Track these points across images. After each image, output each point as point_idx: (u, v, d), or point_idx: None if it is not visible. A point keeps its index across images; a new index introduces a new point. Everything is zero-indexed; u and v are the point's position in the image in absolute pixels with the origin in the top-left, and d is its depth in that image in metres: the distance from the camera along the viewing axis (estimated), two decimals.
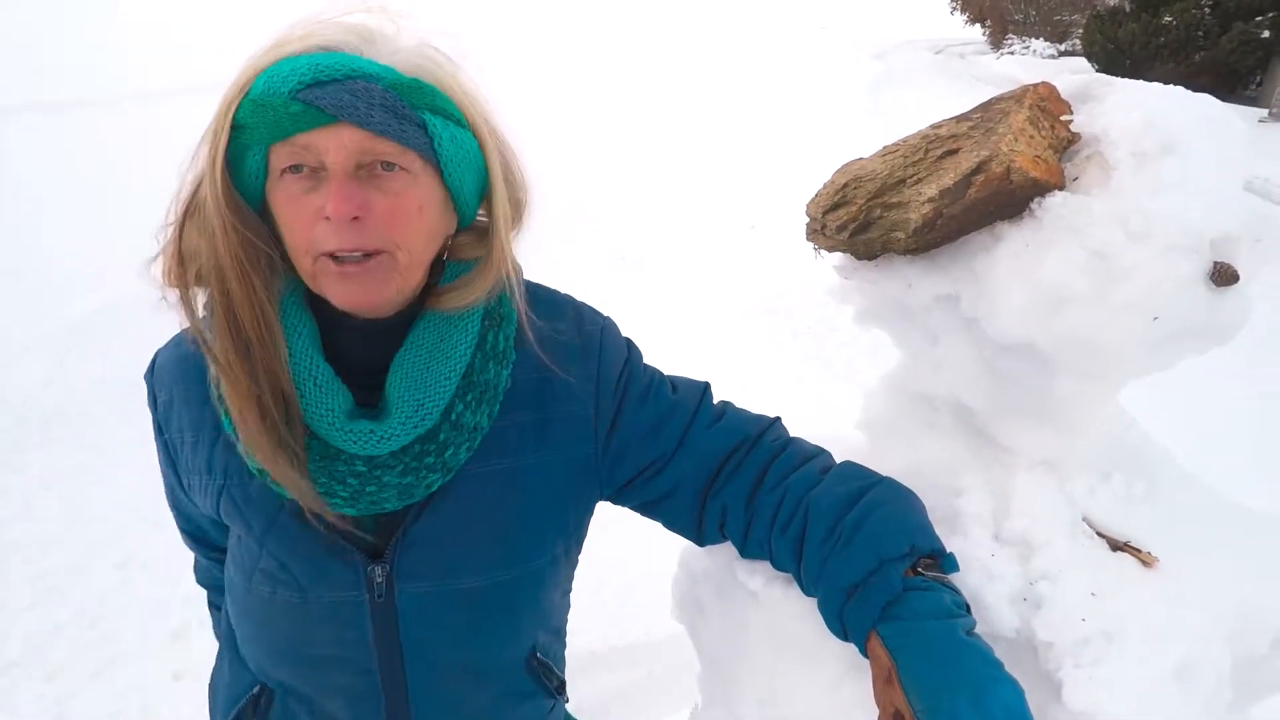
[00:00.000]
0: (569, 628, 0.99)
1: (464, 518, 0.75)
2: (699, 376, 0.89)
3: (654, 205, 6.10)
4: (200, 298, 0.71)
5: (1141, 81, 0.72)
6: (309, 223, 0.65)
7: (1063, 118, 0.70)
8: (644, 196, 6.26)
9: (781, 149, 7.75)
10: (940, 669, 0.59)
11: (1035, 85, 0.74)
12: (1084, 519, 0.73)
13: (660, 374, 0.86)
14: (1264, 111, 12.70)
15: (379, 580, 0.74)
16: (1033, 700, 0.65)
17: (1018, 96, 0.73)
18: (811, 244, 0.87)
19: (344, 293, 0.67)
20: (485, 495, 0.76)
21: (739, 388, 0.92)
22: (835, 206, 0.81)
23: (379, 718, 0.78)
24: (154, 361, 0.81)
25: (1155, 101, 0.66)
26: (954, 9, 30.72)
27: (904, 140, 0.79)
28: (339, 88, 0.62)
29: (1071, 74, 0.78)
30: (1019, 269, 0.66)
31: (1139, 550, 0.69)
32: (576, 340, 0.80)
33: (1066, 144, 0.72)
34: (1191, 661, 0.63)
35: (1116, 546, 0.70)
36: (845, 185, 0.80)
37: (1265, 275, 0.65)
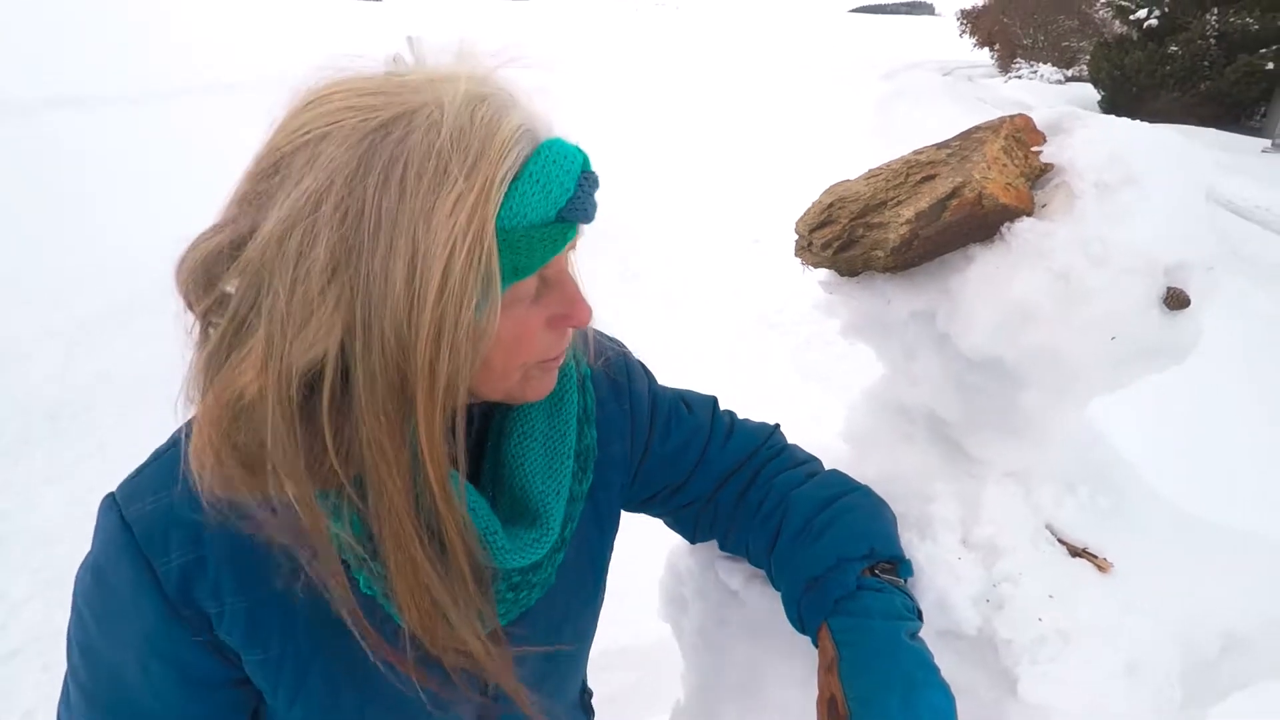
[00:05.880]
0: None
1: (570, 585, 0.72)
2: (700, 388, 0.91)
3: (658, 219, 6.16)
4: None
5: (1111, 117, 0.77)
6: (537, 334, 0.57)
7: (1034, 148, 0.75)
8: (648, 210, 6.32)
9: (786, 165, 7.83)
10: (878, 665, 0.62)
11: (1012, 117, 0.78)
12: (1047, 527, 0.77)
13: (674, 394, 0.85)
14: (1267, 142, 12.79)
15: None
16: (990, 696, 0.69)
17: (995, 127, 0.77)
18: (799, 260, 0.92)
19: (544, 387, 0.61)
20: (580, 554, 0.73)
21: (738, 400, 0.95)
22: (821, 225, 0.85)
23: None
24: (128, 522, 0.56)
25: (1120, 136, 0.71)
26: (963, 32, 31.02)
27: (887, 164, 0.83)
28: (582, 192, 0.54)
29: (1048, 108, 0.83)
30: (989, 288, 0.70)
31: (1095, 556, 0.73)
32: (606, 378, 0.77)
33: (1039, 172, 0.76)
34: (1141, 661, 0.67)
35: (1075, 553, 0.74)
36: (831, 205, 0.85)
37: (1219, 299, 0.69)
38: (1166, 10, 16.76)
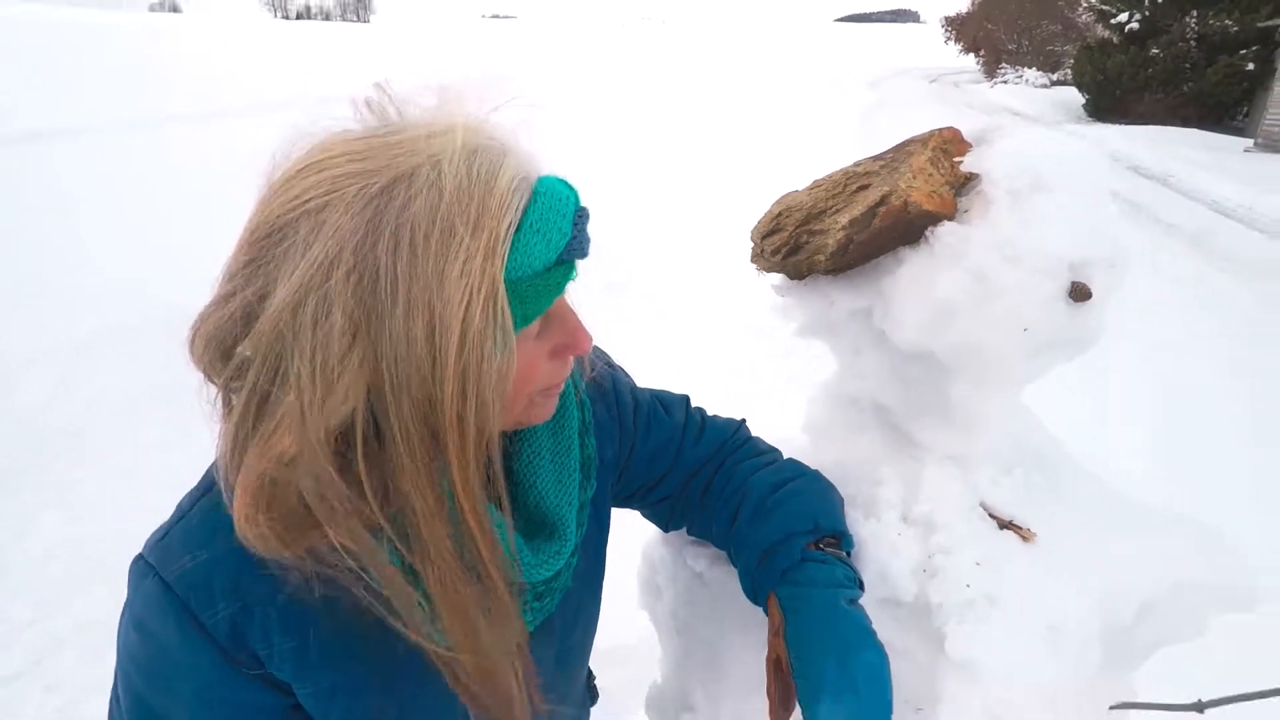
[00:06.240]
0: None
1: (580, 585, 0.77)
2: (693, 394, 0.96)
3: (645, 230, 6.25)
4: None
5: (1029, 128, 0.84)
6: (542, 366, 0.60)
7: (957, 159, 0.82)
8: (635, 221, 6.41)
9: (772, 175, 7.95)
10: (817, 629, 0.69)
11: (941, 130, 0.86)
12: (981, 504, 0.84)
13: (651, 396, 0.91)
14: (1249, 141, 12.96)
15: None
16: (925, 658, 0.76)
17: (924, 140, 0.84)
18: (754, 265, 0.99)
19: (547, 411, 0.65)
20: (587, 555, 0.77)
21: (725, 406, 1.01)
22: (771, 232, 0.92)
23: None
24: (165, 580, 0.58)
25: (1032, 147, 0.78)
26: (948, 38, 31.34)
27: (829, 175, 0.91)
28: (578, 230, 0.57)
29: (975, 121, 0.90)
30: (916, 288, 0.77)
31: (1020, 527, 0.80)
32: (597, 389, 0.82)
33: (964, 181, 0.83)
34: (1061, 623, 0.74)
35: (1003, 525, 0.81)
36: (779, 214, 0.92)
37: (1125, 292, 0.76)
38: (1147, 14, 17.01)
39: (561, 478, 0.70)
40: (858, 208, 0.81)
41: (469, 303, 0.50)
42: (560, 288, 0.57)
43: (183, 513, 0.61)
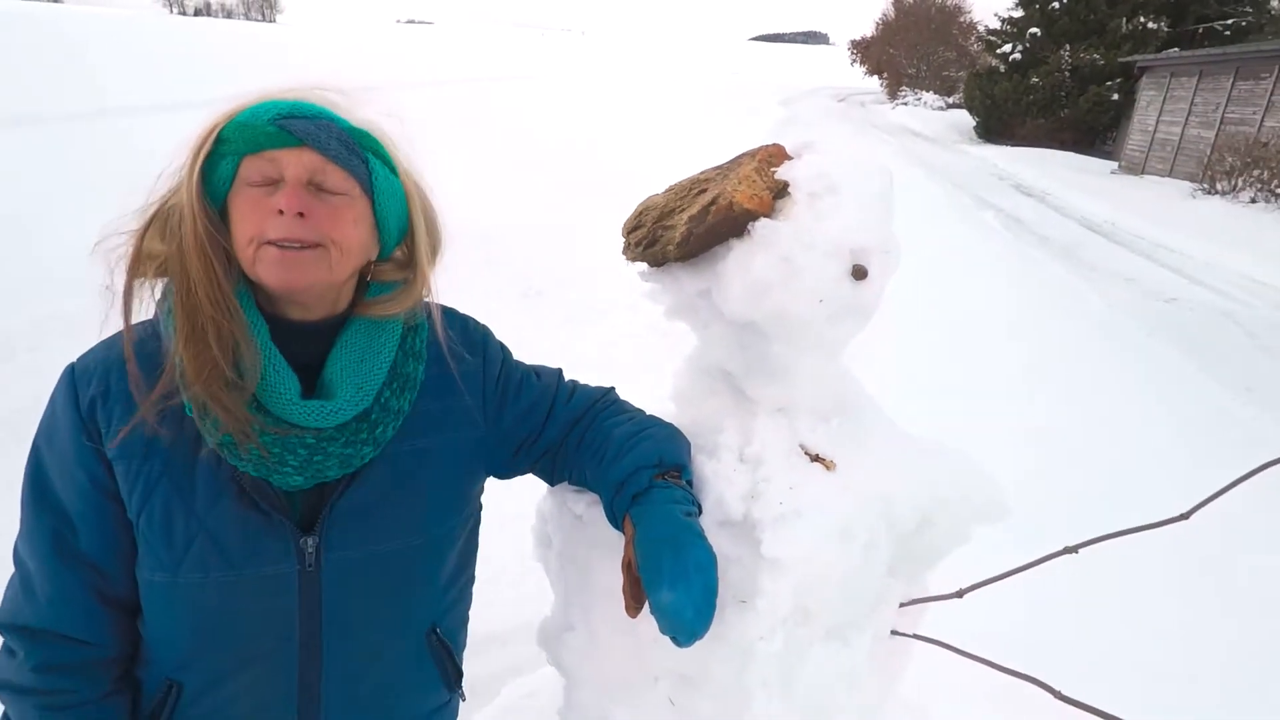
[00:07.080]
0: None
1: (385, 488, 0.90)
2: (560, 368, 1.14)
3: (558, 240, 6.41)
4: (146, 295, 0.85)
5: (835, 145, 1.06)
6: (262, 217, 0.80)
7: (774, 169, 1.03)
8: (549, 233, 6.56)
9: None
10: (658, 532, 0.87)
11: (768, 145, 1.07)
12: (800, 444, 1.04)
13: (526, 366, 1.10)
14: (1115, 164, 14.23)
15: (309, 551, 0.86)
16: (750, 562, 0.95)
17: (753, 153, 1.05)
18: (624, 256, 1.17)
19: (279, 275, 0.81)
20: (402, 469, 0.92)
21: (635, 399, 1.17)
22: (635, 228, 1.11)
23: (291, 685, 0.90)
24: (74, 366, 0.87)
25: (829, 159, 0.99)
26: (854, 61, 32.89)
27: (680, 182, 1.10)
28: (308, 122, 0.82)
29: (796, 138, 1.11)
30: (739, 269, 0.97)
31: (825, 459, 1.01)
32: (465, 345, 1.01)
33: (782, 186, 1.04)
34: (850, 528, 0.95)
35: (813, 459, 1.01)
36: (641, 213, 1.11)
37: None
38: (1028, 45, 18.44)
39: (362, 368, 0.89)
40: (696, 206, 1.00)
41: (201, 135, 0.82)
42: (270, 138, 0.81)
43: (106, 338, 0.88)
